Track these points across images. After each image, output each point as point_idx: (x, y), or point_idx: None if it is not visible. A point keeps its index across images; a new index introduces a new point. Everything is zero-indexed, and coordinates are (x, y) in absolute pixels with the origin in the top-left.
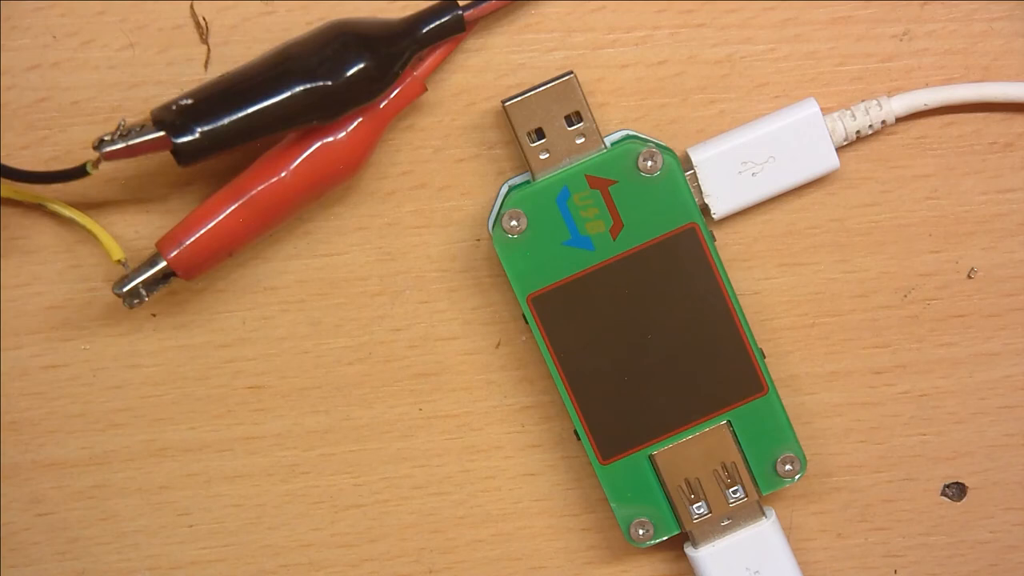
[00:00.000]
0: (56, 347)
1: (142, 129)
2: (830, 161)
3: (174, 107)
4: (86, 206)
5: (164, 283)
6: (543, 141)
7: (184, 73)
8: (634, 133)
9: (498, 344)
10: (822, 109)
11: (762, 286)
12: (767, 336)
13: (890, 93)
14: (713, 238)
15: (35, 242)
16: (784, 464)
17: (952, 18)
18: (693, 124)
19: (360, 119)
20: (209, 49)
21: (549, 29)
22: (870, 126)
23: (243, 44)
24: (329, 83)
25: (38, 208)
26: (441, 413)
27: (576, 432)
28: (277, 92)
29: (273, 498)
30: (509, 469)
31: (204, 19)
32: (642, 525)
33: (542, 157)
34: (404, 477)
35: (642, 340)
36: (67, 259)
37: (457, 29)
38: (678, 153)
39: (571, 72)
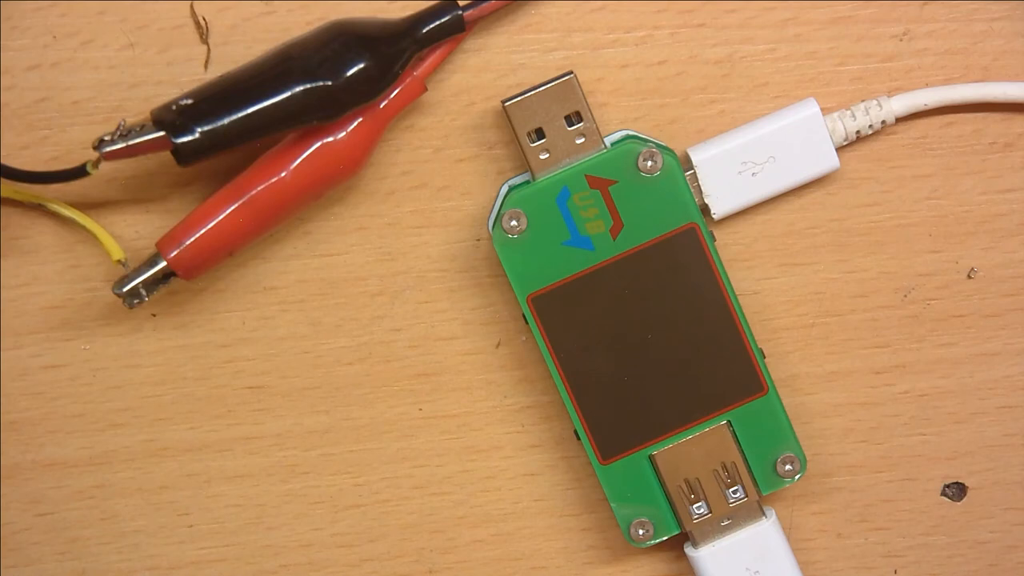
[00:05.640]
0: (56, 347)
1: (142, 129)
2: (830, 161)
3: (174, 107)
4: (86, 206)
5: (164, 283)
6: (543, 141)
7: (184, 73)
8: (634, 133)
9: (498, 344)
10: (822, 109)
11: (762, 286)
12: (767, 336)
13: (890, 93)
14: (713, 238)
15: (35, 242)
16: (784, 464)
17: (952, 18)
18: (693, 124)
19: (360, 119)
20: (209, 49)
21: (549, 29)
22: (870, 126)
23: (243, 44)
24: (329, 83)
25: (38, 208)
26: (441, 413)
27: (576, 432)
28: (277, 92)
29: (273, 498)
30: (509, 469)
31: (204, 19)
32: (642, 525)
33: (542, 157)
34: (404, 477)
35: (642, 340)
36: (67, 259)
37: (457, 29)
38: (678, 153)
39: (571, 72)
